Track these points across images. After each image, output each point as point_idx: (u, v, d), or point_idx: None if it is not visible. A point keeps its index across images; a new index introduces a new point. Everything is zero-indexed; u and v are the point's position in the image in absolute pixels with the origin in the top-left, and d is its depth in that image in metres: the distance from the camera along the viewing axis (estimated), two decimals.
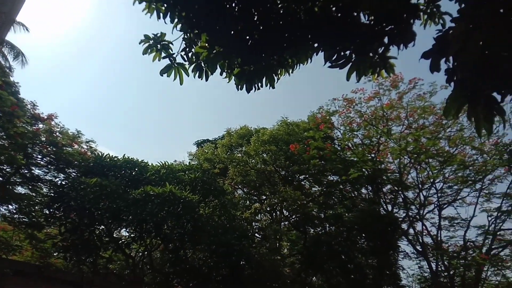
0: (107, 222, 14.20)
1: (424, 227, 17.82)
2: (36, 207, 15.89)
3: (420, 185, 17.86)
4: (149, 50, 4.55)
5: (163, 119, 74.01)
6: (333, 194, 20.83)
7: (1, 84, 12.95)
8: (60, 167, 15.59)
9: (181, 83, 4.55)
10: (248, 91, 4.41)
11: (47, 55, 56.36)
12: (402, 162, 18.00)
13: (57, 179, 15.90)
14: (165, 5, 4.18)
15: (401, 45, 3.61)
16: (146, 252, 15.39)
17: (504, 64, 2.46)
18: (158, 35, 4.53)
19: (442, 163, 16.83)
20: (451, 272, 16.49)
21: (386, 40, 3.67)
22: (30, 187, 16.04)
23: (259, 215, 21.44)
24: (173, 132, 76.43)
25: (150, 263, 15.69)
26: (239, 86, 4.43)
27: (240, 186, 23.00)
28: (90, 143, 16.77)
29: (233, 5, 3.97)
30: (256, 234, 20.03)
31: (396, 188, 18.42)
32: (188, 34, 4.35)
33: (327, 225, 19.85)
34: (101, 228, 14.68)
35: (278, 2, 3.95)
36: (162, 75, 4.53)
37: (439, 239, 17.36)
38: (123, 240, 15.25)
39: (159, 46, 4.54)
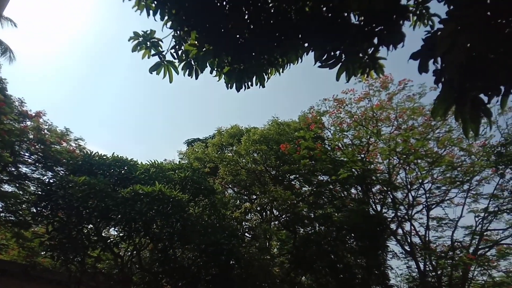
0: (95, 221, 14.06)
1: (412, 227, 18.00)
2: (23, 206, 15.70)
3: (408, 186, 18.01)
4: (139, 48, 4.51)
5: (153, 118, 73.64)
6: (323, 194, 20.90)
7: None
8: (48, 165, 15.42)
9: (170, 81, 4.52)
10: (238, 89, 4.41)
11: (35, 51, 55.62)
12: (391, 162, 18.16)
13: (45, 177, 15.78)
14: (155, 2, 4.15)
15: (391, 45, 3.65)
16: (135, 251, 15.28)
17: (490, 66, 2.48)
18: (148, 32, 4.49)
19: (431, 164, 16.99)
20: (439, 272, 16.67)
21: (375, 40, 3.70)
22: (17, 185, 15.84)
23: (249, 214, 21.45)
24: (163, 131, 76.10)
25: (139, 262, 15.56)
26: (229, 85, 4.43)
27: (230, 186, 23.01)
28: (78, 141, 16.69)
29: (224, 3, 3.96)
30: (246, 234, 19.99)
31: (385, 188, 18.56)
32: (178, 32, 4.32)
33: (317, 224, 19.95)
34: (89, 227, 14.55)
35: (269, 1, 3.95)
36: (151, 73, 4.50)
37: (427, 239, 17.53)
38: (111, 239, 15.08)
39: (148, 43, 4.50)
